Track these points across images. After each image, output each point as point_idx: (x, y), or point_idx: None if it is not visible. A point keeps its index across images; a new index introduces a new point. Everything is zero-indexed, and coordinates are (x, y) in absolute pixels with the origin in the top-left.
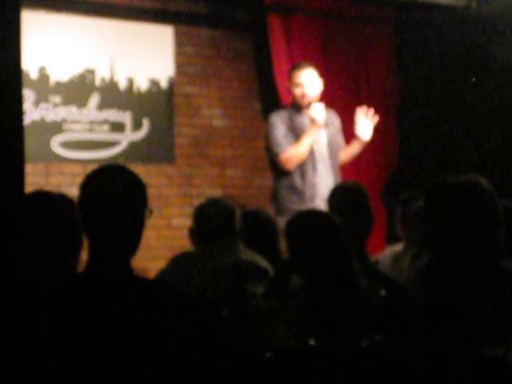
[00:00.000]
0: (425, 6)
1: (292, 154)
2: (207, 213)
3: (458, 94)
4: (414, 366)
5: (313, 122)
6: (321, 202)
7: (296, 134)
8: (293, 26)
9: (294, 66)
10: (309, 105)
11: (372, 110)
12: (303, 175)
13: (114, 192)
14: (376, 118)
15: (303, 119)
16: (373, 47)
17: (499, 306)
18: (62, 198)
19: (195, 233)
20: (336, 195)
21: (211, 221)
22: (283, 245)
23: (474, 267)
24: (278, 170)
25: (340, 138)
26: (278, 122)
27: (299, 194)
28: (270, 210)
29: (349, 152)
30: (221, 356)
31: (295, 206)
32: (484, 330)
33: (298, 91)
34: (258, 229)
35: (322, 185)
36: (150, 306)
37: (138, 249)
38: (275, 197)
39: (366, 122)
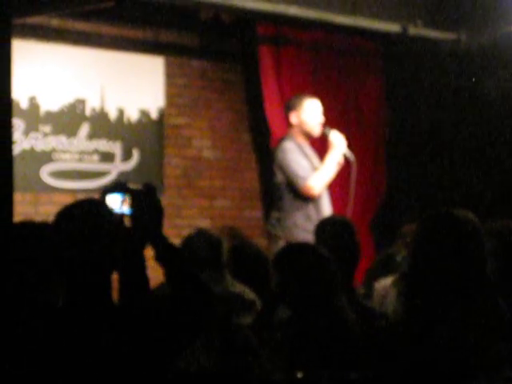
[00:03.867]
0: (414, 40)
1: (319, 180)
2: (194, 245)
3: (446, 127)
4: None
5: (334, 147)
6: None
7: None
8: (283, 58)
9: (303, 96)
10: (322, 132)
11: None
12: (316, 204)
13: (86, 228)
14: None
15: (309, 149)
16: (362, 80)
17: (487, 339)
18: (48, 228)
19: None
20: (324, 229)
21: (198, 253)
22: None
23: (459, 302)
24: (293, 197)
25: None
26: (293, 148)
27: (314, 223)
28: (260, 241)
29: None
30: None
31: (309, 235)
32: (472, 364)
33: (313, 119)
34: (247, 262)
35: (328, 213)
36: (130, 338)
37: (111, 284)
38: (282, 223)
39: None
